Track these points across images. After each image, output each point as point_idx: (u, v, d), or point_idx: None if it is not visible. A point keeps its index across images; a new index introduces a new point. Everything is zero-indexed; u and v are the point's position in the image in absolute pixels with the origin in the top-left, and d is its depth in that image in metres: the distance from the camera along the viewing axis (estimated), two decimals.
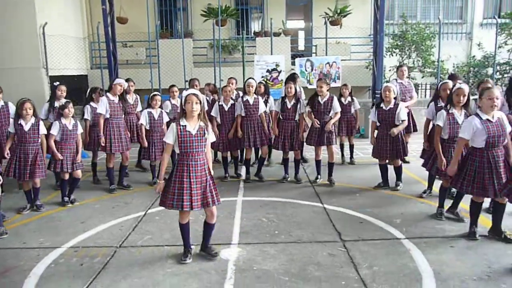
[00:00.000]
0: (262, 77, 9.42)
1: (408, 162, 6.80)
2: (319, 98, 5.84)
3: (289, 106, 5.96)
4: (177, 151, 3.52)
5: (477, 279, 3.27)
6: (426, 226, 4.39)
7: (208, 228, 3.74)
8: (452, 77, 6.09)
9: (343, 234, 4.20)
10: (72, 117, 5.33)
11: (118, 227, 4.55)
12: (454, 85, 4.56)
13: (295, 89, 6.03)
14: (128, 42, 11.66)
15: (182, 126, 3.47)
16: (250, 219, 4.67)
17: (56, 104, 5.99)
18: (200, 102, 3.47)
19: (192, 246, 3.78)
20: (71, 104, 5.32)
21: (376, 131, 5.72)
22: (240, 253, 3.81)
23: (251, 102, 6.04)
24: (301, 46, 14.59)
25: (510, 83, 4.70)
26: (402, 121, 5.43)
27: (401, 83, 6.88)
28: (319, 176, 6.14)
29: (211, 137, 3.62)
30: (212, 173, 3.65)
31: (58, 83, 6.22)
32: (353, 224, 4.50)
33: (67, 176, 5.32)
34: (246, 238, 4.14)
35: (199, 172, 3.50)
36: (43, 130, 5.11)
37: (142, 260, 3.72)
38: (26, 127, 4.96)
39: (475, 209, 4.04)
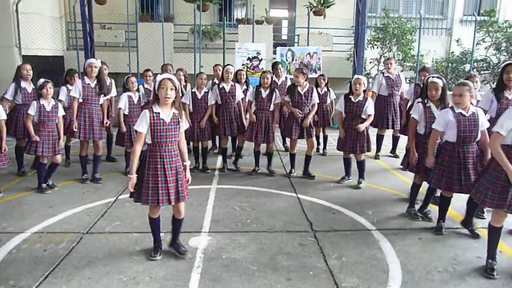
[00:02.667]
0: (243, 64, 9.33)
1: (397, 157, 6.84)
2: (299, 89, 5.65)
3: (263, 96, 5.77)
4: (148, 141, 3.23)
5: (442, 270, 3.31)
6: (397, 218, 4.43)
7: (176, 223, 3.50)
8: (424, 70, 6.10)
9: (314, 225, 4.20)
10: (53, 97, 5.11)
11: (86, 212, 4.43)
12: (427, 79, 4.49)
13: (271, 79, 5.82)
14: (106, 23, 11.33)
15: (156, 113, 3.18)
16: (223, 207, 4.63)
17: (23, 84, 5.71)
18: (176, 88, 3.19)
19: (161, 233, 3.70)
20: (49, 84, 5.03)
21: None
22: (210, 241, 3.77)
23: (227, 89, 5.93)
24: (284, 35, 14.49)
25: (498, 81, 4.57)
26: (369, 115, 5.27)
27: (388, 76, 6.73)
28: (293, 170, 5.97)
29: (184, 125, 3.36)
30: (188, 163, 3.42)
31: (20, 63, 5.94)
32: (325, 215, 4.51)
33: (45, 160, 5.11)
34: (217, 227, 4.09)
35: (174, 163, 3.26)
36: (1, 115, 4.76)
37: (108, 247, 3.63)
38: None
39: (444, 204, 4.04)
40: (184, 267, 3.31)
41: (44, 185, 5.14)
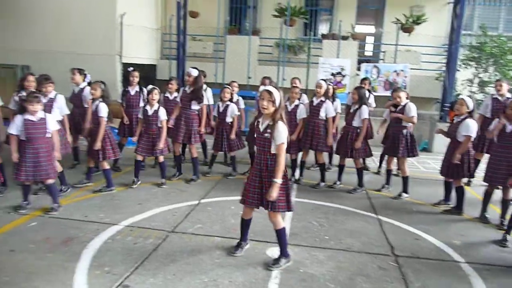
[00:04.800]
0: (325, 80, 9.27)
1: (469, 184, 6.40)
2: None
3: (351, 111, 5.85)
4: None
5: None
6: (489, 252, 4.08)
7: (276, 233, 3.55)
8: None
9: (396, 249, 4.02)
10: (158, 102, 5.52)
11: (171, 212, 4.69)
12: None
13: (360, 95, 5.77)
14: (197, 35, 12.01)
15: (258, 121, 3.48)
16: (300, 221, 4.62)
17: (129, 89, 6.32)
18: (274, 102, 3.27)
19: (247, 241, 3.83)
20: (156, 91, 5.44)
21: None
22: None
23: (314, 103, 5.95)
24: (367, 51, 14.19)
25: None
26: (464, 136, 4.87)
27: (496, 98, 6.19)
28: (387, 186, 6.05)
29: (279, 139, 3.28)
30: (278, 182, 3.29)
31: (132, 68, 6.41)
32: (408, 240, 4.29)
33: (139, 158, 5.59)
34: (295, 239, 4.10)
35: (259, 171, 3.41)
36: (103, 113, 5.14)
37: (191, 248, 3.81)
38: (93, 108, 5.23)
39: None
40: (262, 276, 3.35)
41: (135, 179, 5.62)
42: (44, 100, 4.77)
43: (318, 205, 5.21)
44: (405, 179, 5.73)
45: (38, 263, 3.37)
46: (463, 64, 10.16)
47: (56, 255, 3.51)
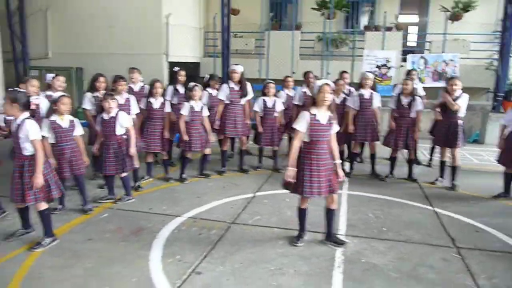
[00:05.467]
0: (370, 72, 9.17)
1: None
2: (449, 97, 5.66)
3: (403, 103, 5.80)
4: (306, 139, 3.61)
5: None
6: None
7: (330, 213, 3.81)
8: None
9: (457, 241, 4.00)
10: (200, 99, 5.70)
11: (229, 205, 4.86)
12: None
13: (412, 85, 5.83)
14: (238, 32, 12.16)
15: (313, 115, 3.58)
16: (356, 213, 4.67)
17: (177, 87, 6.52)
18: (331, 93, 3.59)
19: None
20: (197, 87, 5.60)
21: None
22: (348, 244, 3.85)
23: (366, 96, 5.96)
24: (411, 42, 13.83)
25: None
26: None
27: None
28: (440, 179, 5.97)
29: (335, 126, 3.71)
30: (339, 162, 3.75)
31: (178, 68, 6.59)
32: (468, 232, 4.25)
33: (189, 155, 5.73)
34: (353, 231, 4.16)
35: (325, 160, 3.63)
36: (169, 108, 5.62)
37: (253, 238, 3.96)
38: (155, 105, 5.49)
39: None
40: (325, 265, 3.45)
41: (184, 175, 5.76)
42: (122, 100, 5.20)
43: (372, 198, 5.23)
44: (456, 169, 5.72)
45: (115, 251, 3.63)
46: None
47: (130, 244, 3.77)
